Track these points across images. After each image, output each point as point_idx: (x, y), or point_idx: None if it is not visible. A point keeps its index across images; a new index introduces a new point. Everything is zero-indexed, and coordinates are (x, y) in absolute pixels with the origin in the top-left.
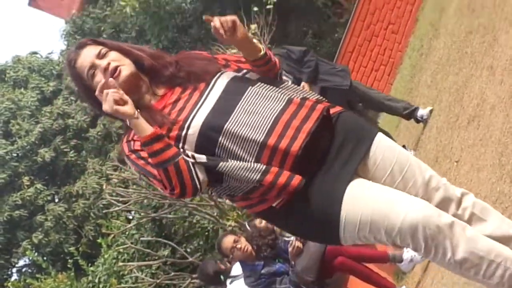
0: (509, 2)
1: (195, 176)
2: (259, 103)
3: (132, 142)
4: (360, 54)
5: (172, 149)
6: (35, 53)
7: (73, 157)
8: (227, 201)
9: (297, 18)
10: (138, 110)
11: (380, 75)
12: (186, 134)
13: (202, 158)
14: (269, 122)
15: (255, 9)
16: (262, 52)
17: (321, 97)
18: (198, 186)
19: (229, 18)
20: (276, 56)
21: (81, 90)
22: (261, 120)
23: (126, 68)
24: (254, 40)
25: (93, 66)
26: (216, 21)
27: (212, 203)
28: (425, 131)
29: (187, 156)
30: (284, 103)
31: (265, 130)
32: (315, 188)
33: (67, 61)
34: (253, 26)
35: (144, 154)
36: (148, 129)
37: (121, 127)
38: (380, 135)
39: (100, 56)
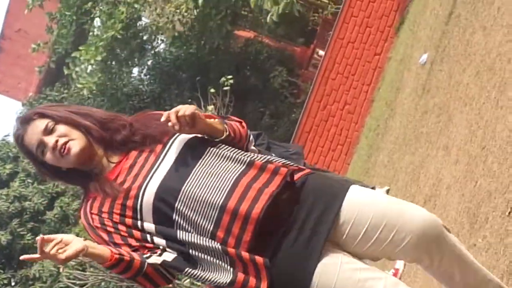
0: (463, 83)
1: (167, 275)
2: (218, 165)
3: (89, 216)
4: (317, 134)
5: (135, 263)
6: None
7: (30, 240)
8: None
9: (254, 99)
10: (85, 241)
11: (337, 155)
12: (141, 202)
13: (169, 257)
14: (229, 184)
15: (212, 90)
16: (225, 134)
17: (286, 161)
18: (172, 279)
19: (188, 112)
20: None
21: (35, 164)
22: (220, 182)
23: (76, 143)
24: (216, 120)
25: (41, 144)
26: (171, 116)
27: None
28: None
29: (152, 247)
30: (245, 165)
31: (224, 192)
32: (281, 267)
33: (15, 138)
34: (210, 108)
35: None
36: (104, 255)
37: (78, 210)
38: (351, 192)
39: (47, 131)
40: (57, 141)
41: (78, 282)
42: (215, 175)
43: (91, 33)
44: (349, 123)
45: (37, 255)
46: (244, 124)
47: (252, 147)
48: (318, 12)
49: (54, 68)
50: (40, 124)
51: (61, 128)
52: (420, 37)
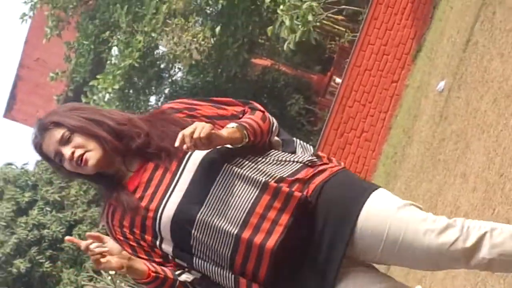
0: (480, 110)
1: None
2: (233, 189)
3: (112, 227)
4: None
5: (168, 280)
6: (10, 164)
7: (48, 267)
8: None
9: None
10: (128, 258)
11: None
12: (159, 225)
13: (197, 275)
14: (243, 214)
15: None
16: (244, 141)
17: (305, 158)
18: None
19: (204, 133)
20: None
21: (55, 168)
22: (235, 211)
23: (92, 154)
24: (233, 126)
25: (58, 153)
26: (186, 140)
27: None
28: None
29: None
30: (259, 189)
31: (239, 223)
32: None
33: (33, 145)
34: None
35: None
36: (142, 273)
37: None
38: (370, 202)
39: (63, 141)
40: (73, 152)
41: None
42: (229, 203)
43: (108, 62)
44: (367, 150)
45: (82, 243)
46: (266, 114)
47: (276, 138)
48: (335, 40)
49: (72, 96)
50: (57, 133)
51: (78, 139)
52: (437, 64)
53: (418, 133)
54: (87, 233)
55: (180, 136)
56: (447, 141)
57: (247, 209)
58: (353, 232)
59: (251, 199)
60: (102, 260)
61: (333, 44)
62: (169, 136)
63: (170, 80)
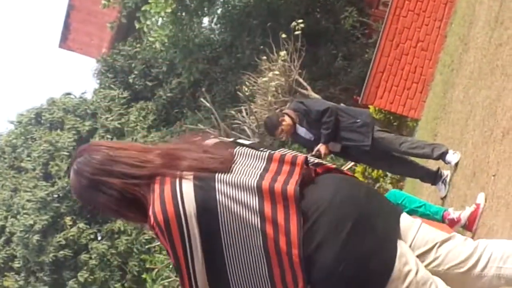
0: None
1: None
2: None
3: None
4: (391, 73)
5: None
6: (69, 94)
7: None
8: None
9: (326, 42)
10: None
11: (412, 93)
12: None
13: None
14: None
15: (283, 36)
16: None
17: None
18: None
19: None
20: (296, 113)
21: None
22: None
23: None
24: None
25: None
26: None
27: None
28: (460, 147)
29: None
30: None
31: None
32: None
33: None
34: (282, 53)
35: None
36: None
37: None
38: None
39: None
40: None
41: None
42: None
43: None
44: (423, 60)
45: None
46: None
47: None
48: None
49: (125, 23)
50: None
51: None
52: None
53: (474, 40)
54: None
55: None
56: (504, 46)
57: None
58: None
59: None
60: None
61: None
62: None
63: (222, 0)
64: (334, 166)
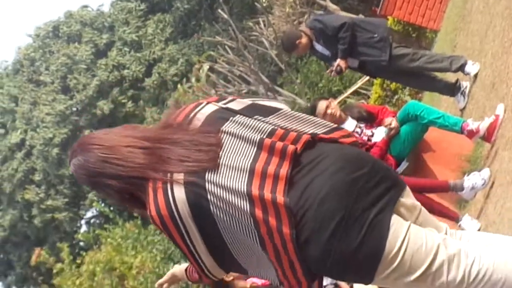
0: None
1: None
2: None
3: None
4: None
5: None
6: (86, 6)
7: (131, 107)
8: None
9: None
10: None
11: (431, 4)
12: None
13: None
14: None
15: None
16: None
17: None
18: None
19: None
20: (311, 31)
21: None
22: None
23: None
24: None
25: None
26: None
27: None
28: (479, 58)
29: None
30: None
31: None
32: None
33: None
34: None
35: None
36: None
37: (176, 75)
38: None
39: None
40: None
41: None
42: None
43: None
44: None
45: None
46: None
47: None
48: None
49: None
50: None
51: None
52: None
53: None
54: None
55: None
56: None
57: None
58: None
59: None
60: None
61: None
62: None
63: None
64: (334, 136)
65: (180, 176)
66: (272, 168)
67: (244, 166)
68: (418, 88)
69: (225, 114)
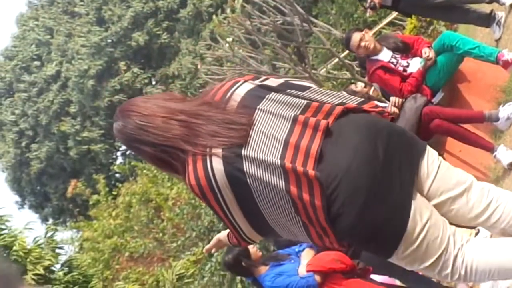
0: None
1: None
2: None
3: None
4: None
5: None
6: None
7: (166, 39)
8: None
9: None
10: None
11: None
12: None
13: None
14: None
15: None
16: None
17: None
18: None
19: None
20: None
21: None
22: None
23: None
24: None
25: None
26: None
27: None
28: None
29: None
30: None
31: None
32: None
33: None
34: None
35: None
36: None
37: (211, 6)
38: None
39: None
40: None
41: (216, 77)
42: None
43: None
44: None
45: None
46: None
47: None
48: None
49: None
50: None
51: None
52: None
53: None
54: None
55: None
56: None
57: None
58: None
59: None
60: None
61: None
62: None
63: None
64: (363, 107)
65: (218, 150)
66: (305, 143)
67: (280, 138)
68: (453, 22)
69: (261, 93)
